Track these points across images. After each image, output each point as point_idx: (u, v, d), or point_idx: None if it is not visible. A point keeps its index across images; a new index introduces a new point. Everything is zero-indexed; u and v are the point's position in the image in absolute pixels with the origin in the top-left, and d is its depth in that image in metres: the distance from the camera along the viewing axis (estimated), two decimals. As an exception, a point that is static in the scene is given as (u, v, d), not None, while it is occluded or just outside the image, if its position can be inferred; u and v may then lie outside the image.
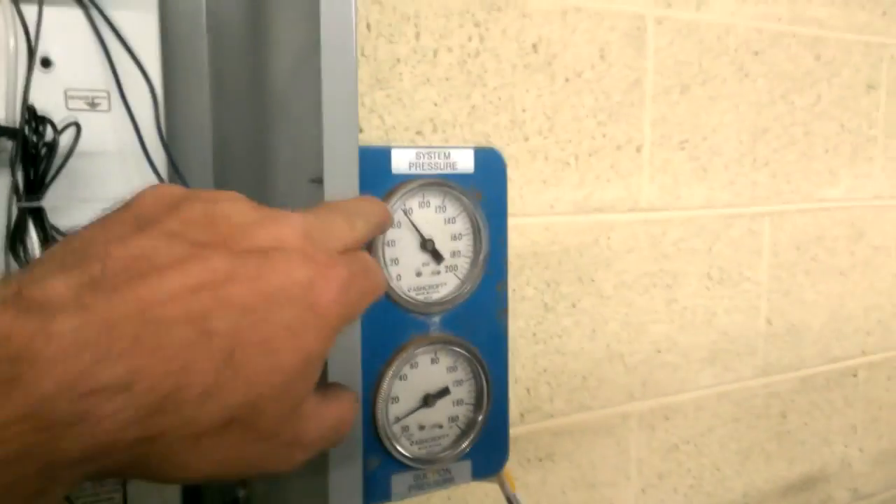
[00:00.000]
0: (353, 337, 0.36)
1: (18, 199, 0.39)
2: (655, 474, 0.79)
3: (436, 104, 0.62)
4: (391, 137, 0.60)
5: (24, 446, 0.19)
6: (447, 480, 0.44)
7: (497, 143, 0.65)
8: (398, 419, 0.42)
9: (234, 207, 0.25)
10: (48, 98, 0.42)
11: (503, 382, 0.45)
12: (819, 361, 0.90)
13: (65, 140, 0.41)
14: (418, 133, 0.61)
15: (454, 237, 0.43)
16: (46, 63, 0.42)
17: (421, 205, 0.42)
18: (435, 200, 0.42)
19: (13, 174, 0.39)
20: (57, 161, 0.40)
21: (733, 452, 0.85)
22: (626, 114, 0.72)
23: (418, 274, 0.42)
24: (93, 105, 0.43)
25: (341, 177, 0.34)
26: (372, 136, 0.60)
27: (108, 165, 0.44)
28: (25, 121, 0.39)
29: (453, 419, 0.44)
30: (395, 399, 0.42)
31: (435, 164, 0.42)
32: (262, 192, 0.44)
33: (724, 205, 0.80)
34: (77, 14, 0.43)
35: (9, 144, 0.39)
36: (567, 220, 0.70)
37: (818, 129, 0.86)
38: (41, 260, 0.23)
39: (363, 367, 0.37)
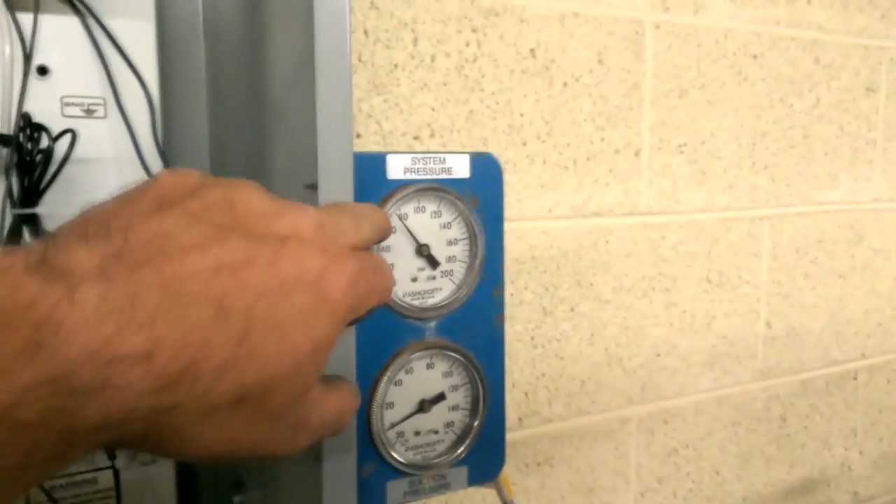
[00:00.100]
0: (349, 342, 0.36)
1: (13, 206, 0.39)
2: (655, 478, 0.79)
3: (433, 109, 0.62)
4: (389, 143, 0.60)
5: (46, 411, 0.20)
6: (443, 486, 0.44)
7: (495, 147, 0.65)
8: (393, 425, 0.42)
9: (252, 195, 0.26)
10: (45, 105, 0.42)
11: (500, 388, 0.45)
12: (819, 365, 0.90)
13: (61, 147, 0.41)
14: (416, 138, 0.61)
15: (450, 242, 0.43)
16: (43, 71, 0.42)
17: (416, 210, 0.42)
18: (430, 206, 0.42)
19: (8, 181, 0.39)
20: (52, 168, 0.40)
21: (733, 456, 0.85)
22: (624, 118, 0.72)
23: (414, 279, 0.42)
24: (89, 112, 0.44)
25: (335, 182, 0.34)
26: (369, 142, 0.60)
27: (105, 172, 0.44)
28: (20, 128, 0.39)
29: (449, 425, 0.44)
30: (391, 405, 0.42)
31: (430, 170, 0.42)
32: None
33: (723, 208, 0.80)
34: (73, 22, 0.43)
35: (4, 152, 0.39)
36: (565, 224, 0.70)
37: (817, 133, 0.86)
38: (62, 230, 0.23)
39: (358, 373, 0.37)
